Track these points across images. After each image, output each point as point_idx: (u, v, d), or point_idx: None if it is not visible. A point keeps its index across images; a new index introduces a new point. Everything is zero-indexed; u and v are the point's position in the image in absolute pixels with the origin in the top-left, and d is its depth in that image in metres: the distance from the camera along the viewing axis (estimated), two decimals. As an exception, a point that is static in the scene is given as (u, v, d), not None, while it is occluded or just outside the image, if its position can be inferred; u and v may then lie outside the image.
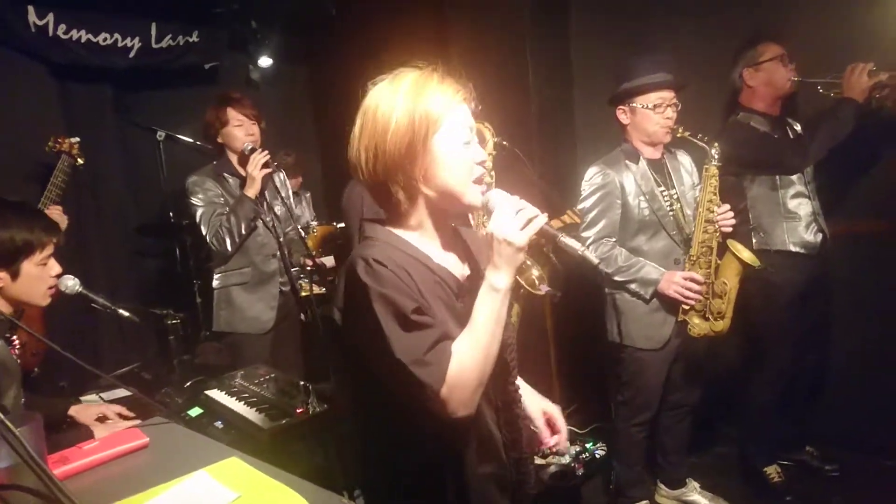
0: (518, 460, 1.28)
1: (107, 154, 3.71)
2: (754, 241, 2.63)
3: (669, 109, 2.29)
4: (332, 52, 4.42)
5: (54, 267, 1.78)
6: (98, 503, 0.96)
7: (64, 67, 3.30)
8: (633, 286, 2.37)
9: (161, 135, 3.83)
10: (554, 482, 2.40)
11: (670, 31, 3.11)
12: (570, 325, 3.34)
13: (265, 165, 2.61)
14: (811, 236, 2.60)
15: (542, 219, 1.12)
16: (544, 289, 2.22)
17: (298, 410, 1.94)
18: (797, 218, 2.60)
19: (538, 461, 2.97)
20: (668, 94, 2.29)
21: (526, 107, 3.39)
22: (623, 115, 2.38)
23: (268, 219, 2.68)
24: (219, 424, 2.02)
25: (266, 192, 2.68)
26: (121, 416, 2.04)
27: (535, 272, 2.21)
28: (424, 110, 1.15)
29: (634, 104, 2.33)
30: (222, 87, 4.04)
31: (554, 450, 1.37)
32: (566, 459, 2.96)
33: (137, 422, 1.74)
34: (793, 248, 2.59)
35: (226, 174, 2.72)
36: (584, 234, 2.43)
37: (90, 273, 3.53)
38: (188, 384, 2.41)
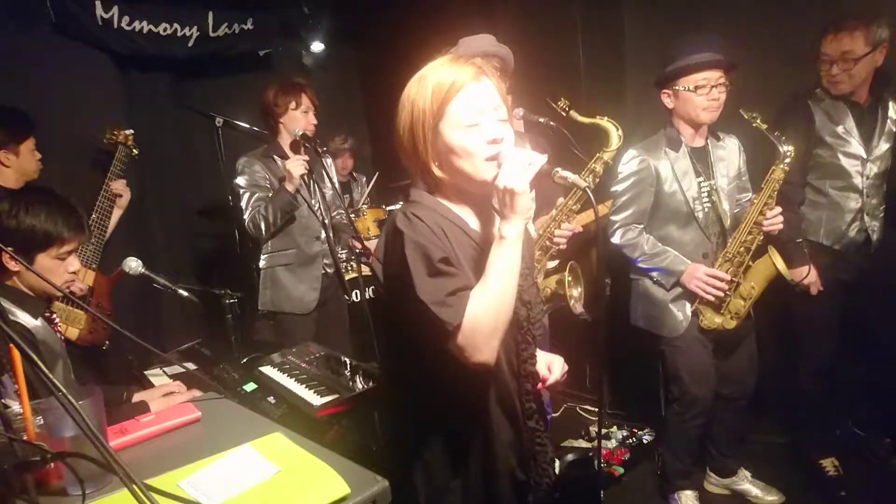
0: (535, 430, 1.33)
1: (168, 140, 3.88)
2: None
3: (715, 90, 2.20)
4: (382, 35, 4.44)
5: (73, 263, 1.78)
6: (150, 472, 1.03)
7: (127, 57, 3.45)
8: (655, 274, 2.35)
9: (219, 121, 3.95)
10: (572, 471, 2.31)
11: (729, 7, 2.99)
12: (618, 310, 3.30)
13: (305, 165, 2.68)
14: (851, 233, 2.47)
15: (539, 161, 1.16)
16: (579, 309, 2.23)
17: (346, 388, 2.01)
18: (838, 210, 2.46)
19: (572, 444, 2.97)
20: (712, 75, 2.20)
21: (575, 88, 3.32)
22: (667, 99, 2.32)
23: (312, 201, 2.75)
24: (271, 400, 2.11)
25: (313, 176, 2.75)
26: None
27: (576, 292, 2.20)
28: (426, 100, 1.19)
29: (677, 87, 2.26)
30: (276, 73, 4.15)
31: (547, 385, 1.41)
32: (612, 444, 2.95)
33: (193, 395, 1.85)
34: (825, 242, 2.48)
35: (275, 157, 2.80)
36: (613, 218, 2.41)
37: (154, 254, 3.72)
38: (244, 361, 2.52)
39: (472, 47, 2.24)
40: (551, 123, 2.53)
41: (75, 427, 1.02)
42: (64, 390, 0.91)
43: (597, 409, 3.39)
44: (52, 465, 1.03)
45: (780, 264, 2.27)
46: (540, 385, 1.42)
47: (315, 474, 0.98)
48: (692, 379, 2.38)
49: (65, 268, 1.76)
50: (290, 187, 2.67)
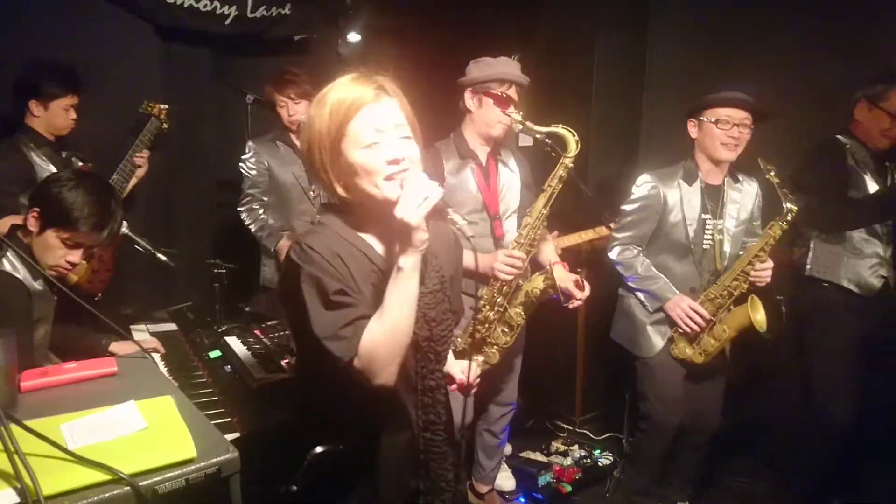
0: (430, 441, 1.37)
1: (201, 113, 4.08)
2: (808, 267, 2.52)
3: (736, 129, 2.24)
4: (418, 35, 4.53)
5: (74, 255, 1.81)
6: (45, 412, 1.15)
7: (169, 30, 3.65)
8: (642, 295, 2.42)
9: (250, 98, 4.14)
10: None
11: (753, 51, 2.97)
12: (599, 333, 3.31)
13: None
14: (870, 278, 2.45)
15: (436, 195, 1.17)
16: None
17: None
18: (861, 256, 2.46)
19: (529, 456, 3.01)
20: (738, 113, 2.25)
21: (586, 109, 3.34)
22: (693, 129, 2.37)
23: (312, 188, 2.89)
24: (228, 368, 2.25)
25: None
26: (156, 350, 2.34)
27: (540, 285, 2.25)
28: (323, 120, 1.22)
29: (702, 117, 2.31)
30: (312, 58, 4.30)
31: (455, 388, 1.46)
32: (567, 462, 2.98)
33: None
34: (845, 285, 2.46)
35: (279, 143, 2.97)
36: (615, 234, 2.50)
37: (171, 219, 3.95)
38: (222, 329, 2.67)
39: (509, 69, 2.35)
40: (547, 140, 2.55)
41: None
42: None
43: (564, 426, 3.42)
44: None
45: (756, 316, 2.26)
46: (452, 387, 1.48)
47: (173, 435, 1.09)
48: (658, 401, 2.45)
49: (64, 254, 1.82)
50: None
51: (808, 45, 2.88)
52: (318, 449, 1.27)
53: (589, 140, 3.35)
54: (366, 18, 4.43)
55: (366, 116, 1.21)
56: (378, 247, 1.32)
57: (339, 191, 1.27)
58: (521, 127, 2.28)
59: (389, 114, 1.24)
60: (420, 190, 1.16)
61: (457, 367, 1.49)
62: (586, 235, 3.02)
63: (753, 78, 2.85)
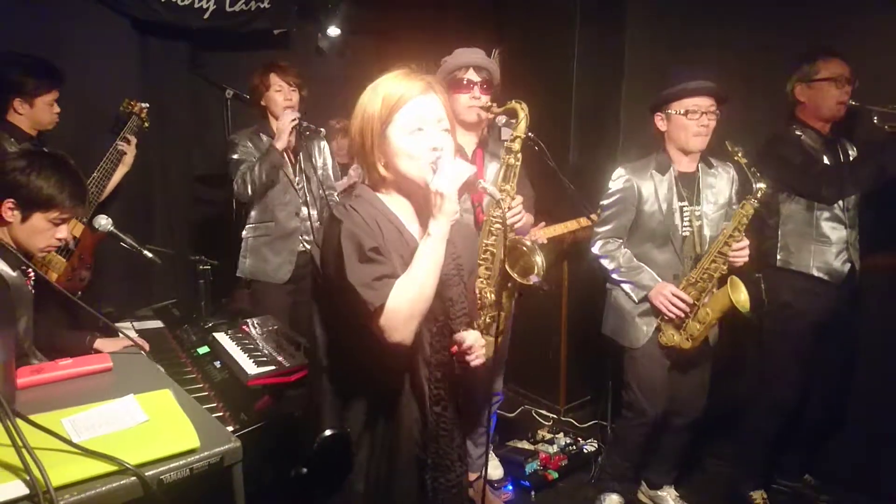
0: (440, 415, 1.44)
1: (179, 108, 4.03)
2: (778, 258, 2.58)
3: (705, 117, 2.28)
4: (398, 28, 4.53)
5: (62, 231, 1.90)
6: (45, 407, 1.15)
7: (145, 24, 3.60)
8: (626, 287, 2.46)
9: (230, 93, 4.10)
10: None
11: (725, 38, 3.03)
12: (582, 324, 3.37)
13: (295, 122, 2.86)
14: (838, 264, 2.51)
15: (468, 171, 1.31)
16: (533, 279, 2.28)
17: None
18: (828, 242, 2.51)
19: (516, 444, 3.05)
20: (703, 102, 2.28)
21: (566, 102, 3.38)
22: (661, 122, 2.41)
23: (296, 179, 2.89)
24: (217, 364, 2.25)
25: (300, 155, 2.91)
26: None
27: (539, 259, 2.24)
28: (375, 107, 1.35)
29: (670, 111, 2.34)
30: (292, 53, 4.27)
31: (465, 355, 1.45)
32: (553, 449, 3.03)
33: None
34: (816, 273, 2.51)
35: (261, 134, 2.97)
36: (596, 229, 2.54)
37: (153, 217, 3.91)
38: (208, 325, 2.66)
39: (463, 57, 2.38)
40: (529, 135, 2.57)
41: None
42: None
43: (550, 415, 3.47)
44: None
45: (737, 296, 2.29)
46: (453, 349, 1.48)
47: (175, 427, 1.10)
48: (641, 390, 2.50)
49: (53, 233, 1.89)
50: (279, 144, 2.82)
51: (773, 34, 2.91)
52: (328, 432, 1.30)
53: (571, 133, 3.41)
54: (345, 13, 4.42)
55: (414, 107, 1.35)
56: (408, 222, 1.44)
57: (381, 170, 1.40)
58: (485, 112, 2.35)
59: (434, 108, 1.37)
60: (455, 167, 1.31)
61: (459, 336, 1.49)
62: (571, 226, 3.06)
63: (728, 67, 2.94)
